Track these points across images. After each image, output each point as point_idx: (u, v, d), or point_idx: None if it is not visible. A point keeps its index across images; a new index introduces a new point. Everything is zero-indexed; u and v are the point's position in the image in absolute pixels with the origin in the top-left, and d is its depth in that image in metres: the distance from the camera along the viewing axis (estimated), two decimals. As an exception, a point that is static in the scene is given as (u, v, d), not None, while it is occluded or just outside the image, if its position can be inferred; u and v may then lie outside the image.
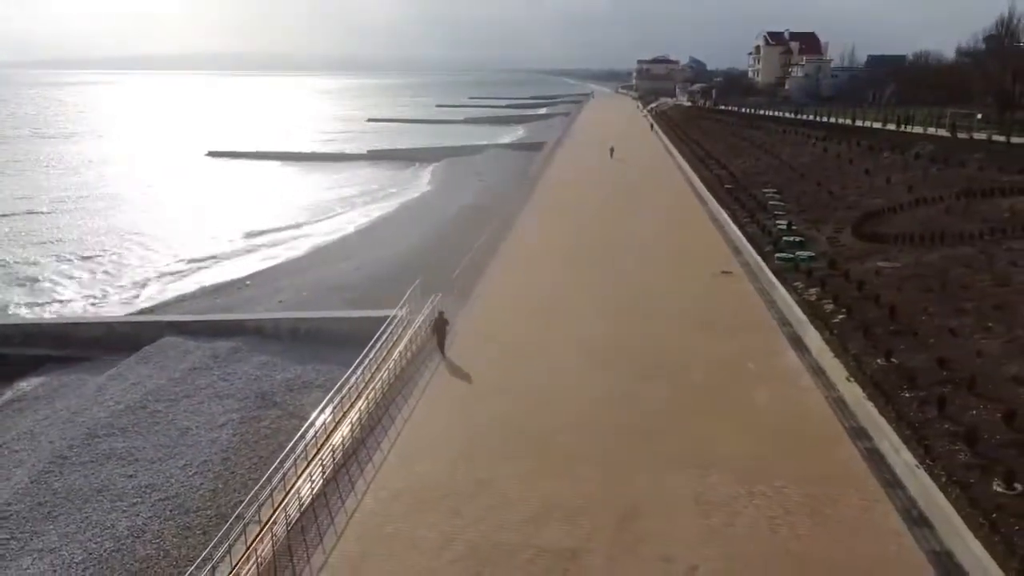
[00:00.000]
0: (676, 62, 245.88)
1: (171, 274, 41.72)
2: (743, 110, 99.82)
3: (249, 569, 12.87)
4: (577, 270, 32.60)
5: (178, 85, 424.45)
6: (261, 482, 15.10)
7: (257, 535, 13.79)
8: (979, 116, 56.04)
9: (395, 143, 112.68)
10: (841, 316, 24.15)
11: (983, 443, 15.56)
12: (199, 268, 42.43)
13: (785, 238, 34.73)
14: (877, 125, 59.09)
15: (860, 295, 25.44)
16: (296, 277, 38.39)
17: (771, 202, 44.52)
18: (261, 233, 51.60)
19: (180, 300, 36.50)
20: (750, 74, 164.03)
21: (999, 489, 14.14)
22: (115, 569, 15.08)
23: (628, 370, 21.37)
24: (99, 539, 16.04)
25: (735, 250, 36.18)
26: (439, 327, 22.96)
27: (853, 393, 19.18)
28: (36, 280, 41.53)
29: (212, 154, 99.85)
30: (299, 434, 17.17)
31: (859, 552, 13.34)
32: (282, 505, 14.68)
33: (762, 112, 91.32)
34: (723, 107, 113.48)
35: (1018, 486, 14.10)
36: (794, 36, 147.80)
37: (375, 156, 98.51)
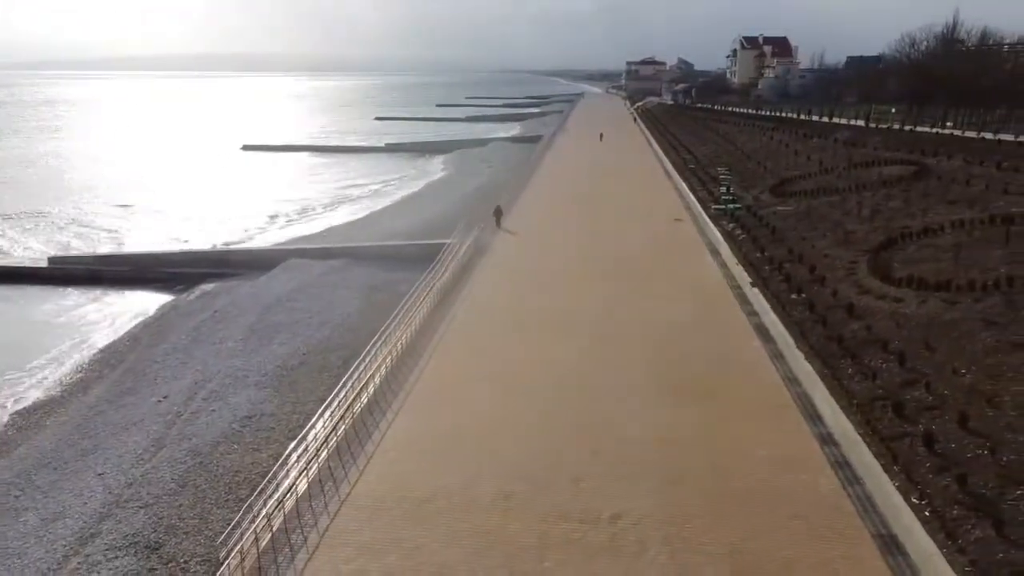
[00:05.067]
0: (663, 64, 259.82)
1: (272, 227, 54.91)
2: (716, 107, 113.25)
3: (379, 373, 25.41)
4: (573, 218, 45.47)
5: (167, 87, 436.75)
6: (385, 324, 27.87)
7: (390, 348, 26.64)
8: (893, 110, 69.60)
9: (405, 138, 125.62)
10: (743, 237, 37.30)
11: (794, 281, 28.64)
12: (287, 225, 55.50)
13: (723, 196, 47.77)
14: (815, 118, 72.58)
15: (760, 225, 38.58)
16: (362, 230, 51.40)
17: (721, 176, 57.53)
18: (321, 203, 64.73)
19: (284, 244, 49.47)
20: (728, 75, 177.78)
21: (794, 297, 27.27)
22: (324, 348, 27.92)
23: (605, 264, 34.44)
24: (306, 344, 28.80)
25: (687, 207, 49.35)
26: (497, 213, 42.21)
27: (737, 269, 32.41)
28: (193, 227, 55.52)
29: (247, 148, 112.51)
30: (403, 302, 29.71)
31: (715, 317, 26.41)
32: (403, 333, 27.37)
33: (731, 109, 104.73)
34: (700, 105, 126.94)
35: (802, 296, 27.17)
36: (767, 40, 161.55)
37: (392, 148, 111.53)
